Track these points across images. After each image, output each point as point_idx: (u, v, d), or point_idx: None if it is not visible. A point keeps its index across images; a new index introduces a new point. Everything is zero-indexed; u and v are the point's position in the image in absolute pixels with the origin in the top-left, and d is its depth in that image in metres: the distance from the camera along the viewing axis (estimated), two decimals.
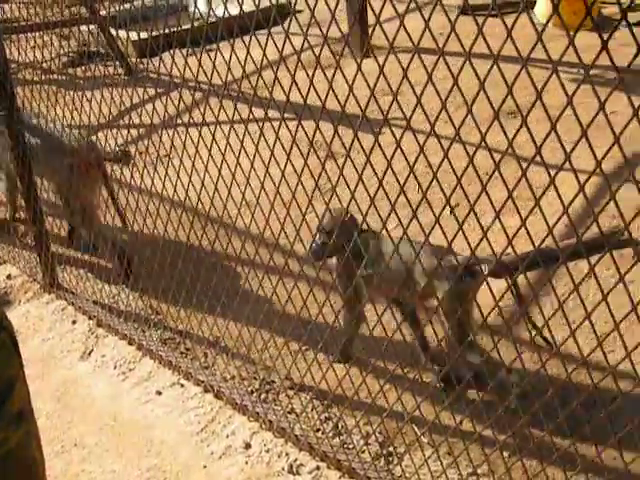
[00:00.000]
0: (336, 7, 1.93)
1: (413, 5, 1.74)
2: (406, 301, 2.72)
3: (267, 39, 2.04)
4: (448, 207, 1.92)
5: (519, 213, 1.76)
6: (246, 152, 2.30)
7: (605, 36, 1.41)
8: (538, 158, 1.60)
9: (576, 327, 1.79)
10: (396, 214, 1.97)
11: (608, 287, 1.67)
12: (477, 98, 1.61)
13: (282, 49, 2.03)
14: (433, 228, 1.90)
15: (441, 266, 2.14)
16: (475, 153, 1.72)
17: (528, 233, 1.77)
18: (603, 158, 1.50)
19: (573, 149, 1.55)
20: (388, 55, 1.76)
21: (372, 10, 1.86)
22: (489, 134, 1.67)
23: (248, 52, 2.15)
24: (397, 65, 1.77)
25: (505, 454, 2.48)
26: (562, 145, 1.58)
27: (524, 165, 1.68)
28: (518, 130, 1.61)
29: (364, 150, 1.95)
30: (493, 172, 1.70)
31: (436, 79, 1.69)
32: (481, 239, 1.83)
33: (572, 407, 1.94)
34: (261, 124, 2.22)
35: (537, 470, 2.23)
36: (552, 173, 1.60)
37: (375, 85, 1.85)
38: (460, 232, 1.84)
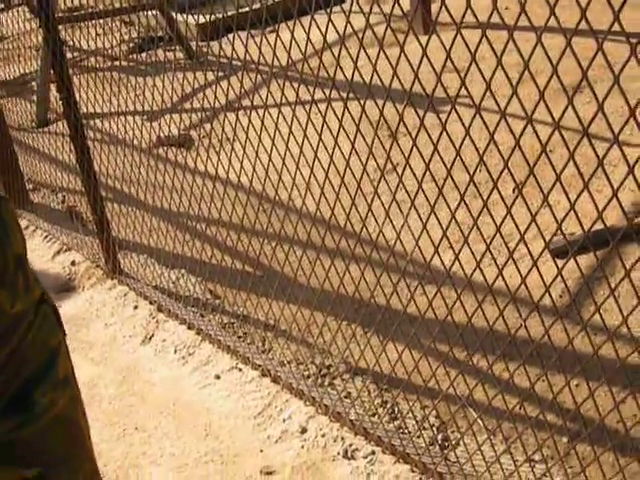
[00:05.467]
0: None
1: None
2: None
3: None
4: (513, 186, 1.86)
5: (587, 191, 1.71)
6: (306, 135, 2.28)
7: None
8: (608, 134, 1.53)
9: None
10: (460, 193, 1.92)
11: None
12: (544, 71, 1.56)
13: (345, 29, 2.00)
14: (508, 213, 1.86)
15: None
16: (552, 134, 1.66)
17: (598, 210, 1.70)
18: None
19: None
20: (456, 36, 1.71)
21: None
22: (556, 109, 1.61)
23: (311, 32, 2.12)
24: (462, 41, 1.72)
25: (564, 440, 2.44)
26: None
27: (593, 141, 1.62)
28: (596, 113, 1.54)
29: (429, 133, 1.91)
30: (572, 153, 1.65)
31: (498, 52, 1.63)
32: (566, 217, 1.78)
33: (628, 394, 1.88)
34: (320, 106, 2.20)
35: (592, 457, 2.17)
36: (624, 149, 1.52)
37: (444, 65, 1.80)
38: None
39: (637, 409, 1.89)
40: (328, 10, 1.98)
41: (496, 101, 1.73)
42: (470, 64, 1.72)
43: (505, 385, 2.27)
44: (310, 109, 2.23)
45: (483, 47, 1.69)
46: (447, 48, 1.76)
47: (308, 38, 2.11)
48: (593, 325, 2.76)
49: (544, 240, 1.90)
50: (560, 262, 2.93)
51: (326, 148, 2.23)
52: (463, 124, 1.80)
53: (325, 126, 2.19)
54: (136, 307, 3.60)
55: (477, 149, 1.84)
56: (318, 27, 2.07)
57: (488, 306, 2.54)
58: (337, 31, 2.04)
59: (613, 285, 2.96)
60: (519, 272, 1.93)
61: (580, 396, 2.05)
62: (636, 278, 2.93)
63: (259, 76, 2.62)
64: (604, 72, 1.49)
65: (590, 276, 3.09)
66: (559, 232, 1.84)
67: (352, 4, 1.97)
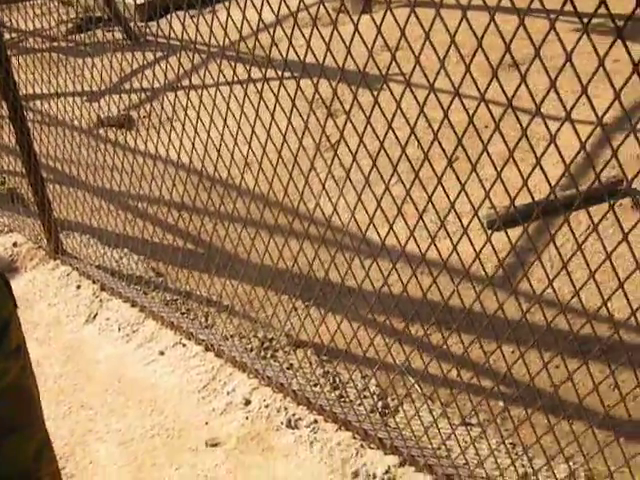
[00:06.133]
0: None
1: None
2: None
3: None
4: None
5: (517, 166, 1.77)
6: (244, 113, 2.31)
7: None
8: (551, 110, 1.60)
9: (555, 273, 1.81)
10: (396, 170, 1.97)
11: (607, 237, 1.67)
12: (476, 50, 1.61)
13: (278, 9, 2.03)
14: (438, 184, 1.92)
15: None
16: (477, 107, 1.72)
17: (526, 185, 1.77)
18: (604, 115, 1.49)
19: (573, 107, 1.54)
20: (386, 12, 1.76)
21: None
22: (489, 87, 1.67)
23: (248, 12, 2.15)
24: (397, 20, 1.77)
25: (500, 404, 2.53)
26: (563, 104, 1.57)
27: (522, 116, 1.68)
28: (519, 86, 1.60)
29: (363, 110, 1.96)
30: (497, 126, 1.71)
31: (435, 31, 1.68)
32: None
33: (556, 354, 1.96)
34: (260, 85, 2.24)
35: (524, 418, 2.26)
36: (551, 125, 1.59)
37: (374, 43, 1.85)
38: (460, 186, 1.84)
39: (568, 373, 1.97)
40: None
41: (426, 76, 1.78)
42: (399, 40, 1.78)
43: (440, 351, 2.34)
44: (246, 88, 2.27)
45: (418, 27, 1.74)
46: (378, 25, 1.82)
47: (244, 17, 2.15)
48: (527, 294, 2.85)
49: (476, 213, 1.97)
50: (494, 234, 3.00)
51: (264, 126, 2.27)
52: (395, 99, 1.86)
53: (264, 104, 2.23)
54: (79, 287, 3.61)
55: (409, 124, 1.90)
56: (254, 6, 2.11)
57: (425, 278, 2.62)
58: (272, 10, 2.08)
59: (547, 255, 3.06)
60: (452, 242, 2.00)
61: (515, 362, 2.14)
62: (568, 249, 3.03)
63: (198, 56, 2.64)
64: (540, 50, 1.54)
65: (523, 247, 3.18)
66: (493, 205, 1.91)
67: None
